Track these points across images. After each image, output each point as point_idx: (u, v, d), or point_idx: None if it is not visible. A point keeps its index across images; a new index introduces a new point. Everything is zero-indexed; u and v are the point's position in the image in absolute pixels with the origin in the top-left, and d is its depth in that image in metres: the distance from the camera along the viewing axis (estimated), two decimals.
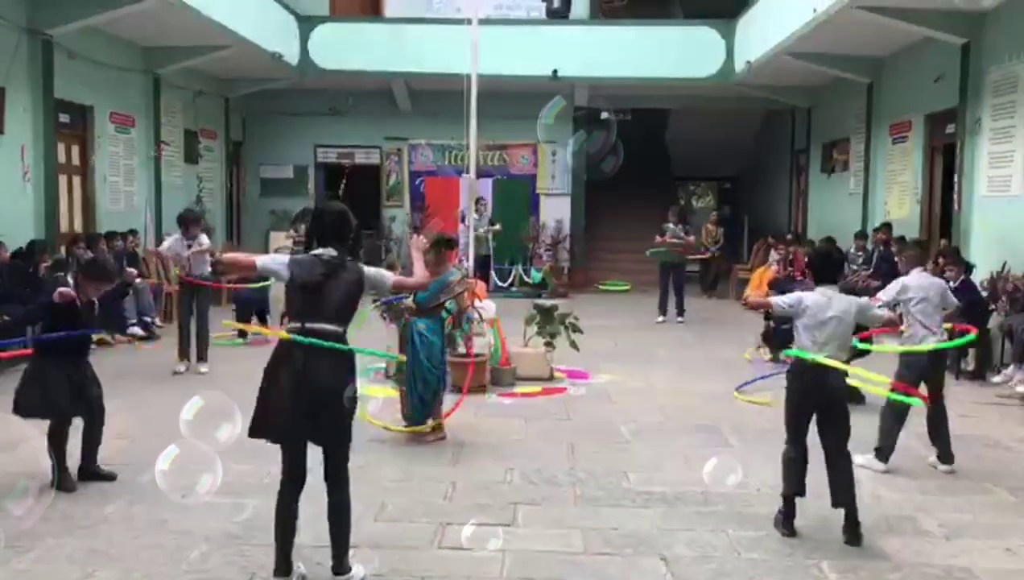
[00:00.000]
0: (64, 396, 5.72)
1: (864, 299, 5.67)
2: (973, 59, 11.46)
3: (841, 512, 5.07)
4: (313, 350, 4.14)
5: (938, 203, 13.12)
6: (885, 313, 5.75)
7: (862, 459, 6.03)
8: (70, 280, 5.92)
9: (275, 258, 4.44)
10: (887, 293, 6.34)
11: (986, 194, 11.26)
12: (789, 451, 5.17)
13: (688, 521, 5.36)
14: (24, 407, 5.73)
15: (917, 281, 6.36)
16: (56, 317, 5.73)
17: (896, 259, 9.60)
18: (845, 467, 5.11)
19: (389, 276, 4.58)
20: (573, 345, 9.25)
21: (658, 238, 14.41)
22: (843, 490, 5.05)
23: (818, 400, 5.08)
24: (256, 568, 4.53)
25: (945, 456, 6.38)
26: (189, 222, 9.73)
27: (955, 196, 11.84)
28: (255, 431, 4.22)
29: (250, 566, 4.57)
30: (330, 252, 4.27)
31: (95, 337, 6.17)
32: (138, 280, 8.28)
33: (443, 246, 7.02)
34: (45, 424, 5.80)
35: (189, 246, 9.60)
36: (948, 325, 6.50)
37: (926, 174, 13.29)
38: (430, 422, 6.97)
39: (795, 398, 5.16)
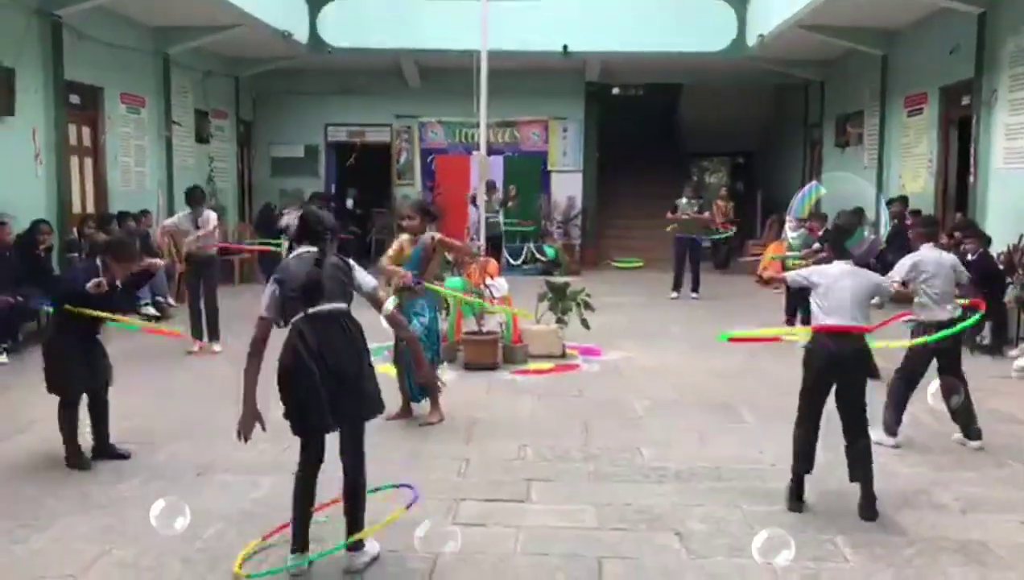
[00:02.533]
0: (80, 373, 5.79)
1: (886, 278, 5.64)
2: (989, 29, 11.30)
3: (856, 487, 5.06)
4: (324, 331, 4.17)
5: (954, 176, 12.99)
6: (896, 287, 5.71)
7: (874, 435, 5.99)
8: (98, 263, 5.91)
9: (266, 293, 4.31)
10: (899, 271, 6.28)
11: (1002, 166, 11.14)
12: (799, 427, 5.16)
13: (702, 496, 5.35)
14: (52, 383, 5.79)
15: (928, 257, 6.30)
16: (81, 300, 5.73)
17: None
18: (863, 441, 5.09)
19: (373, 285, 4.51)
20: (584, 323, 9.24)
21: (669, 214, 14.36)
22: (860, 464, 5.04)
23: (835, 374, 5.05)
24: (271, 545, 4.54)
25: (970, 432, 6.32)
26: (194, 199, 9.84)
27: (971, 169, 11.72)
28: (298, 430, 4.26)
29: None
30: (309, 249, 4.35)
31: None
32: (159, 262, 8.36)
33: (425, 215, 7.02)
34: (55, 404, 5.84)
35: (196, 224, 9.68)
36: (963, 300, 6.42)
37: (941, 147, 13.15)
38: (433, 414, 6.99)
39: (811, 373, 5.13)
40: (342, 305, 4.30)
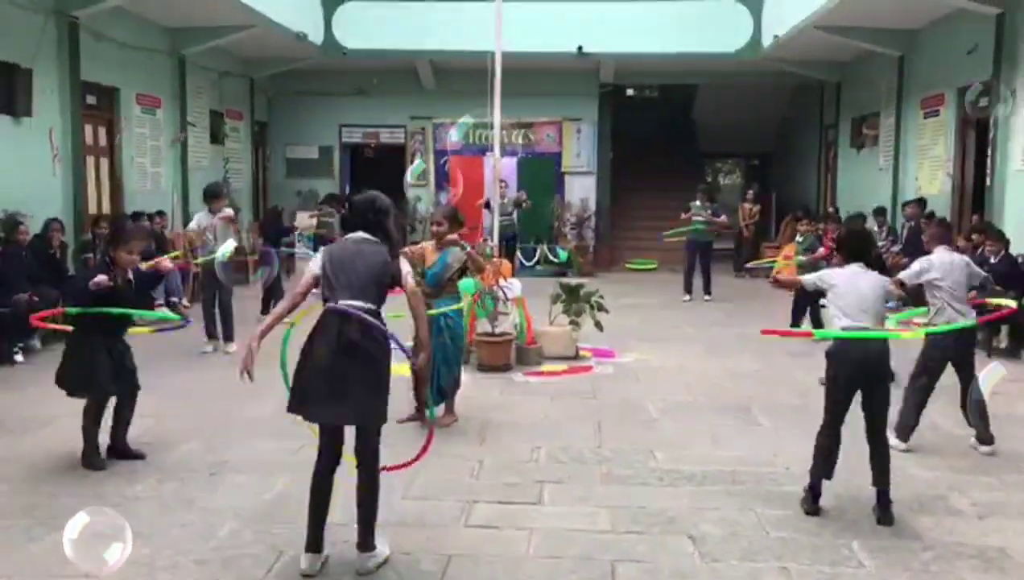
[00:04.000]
0: (105, 373, 5.77)
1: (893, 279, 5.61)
2: (1008, 30, 11.20)
3: (871, 491, 5.02)
4: (348, 324, 4.17)
5: (971, 178, 12.89)
6: (892, 287, 5.68)
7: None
8: (107, 259, 5.93)
9: (309, 268, 4.48)
10: (911, 272, 6.24)
11: (1020, 168, 11.04)
12: (824, 434, 5.12)
13: (716, 500, 5.32)
14: (68, 383, 5.79)
15: (941, 259, 6.25)
16: (97, 298, 5.76)
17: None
18: (885, 446, 5.07)
19: (407, 279, 4.50)
20: (597, 325, 9.22)
21: (683, 215, 14.32)
22: (882, 469, 5.01)
23: (862, 377, 5.02)
24: (284, 545, 4.55)
25: (984, 437, 6.26)
26: (212, 196, 9.89)
27: (988, 170, 11.62)
28: (293, 406, 4.27)
29: (278, 543, 4.59)
30: (359, 234, 4.43)
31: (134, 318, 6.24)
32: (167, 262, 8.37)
33: (453, 222, 7.01)
34: (79, 402, 5.85)
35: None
36: (994, 300, 6.38)
37: (958, 148, 13.05)
38: (443, 411, 6.97)
39: (836, 380, 5.09)
40: (370, 305, 4.25)
